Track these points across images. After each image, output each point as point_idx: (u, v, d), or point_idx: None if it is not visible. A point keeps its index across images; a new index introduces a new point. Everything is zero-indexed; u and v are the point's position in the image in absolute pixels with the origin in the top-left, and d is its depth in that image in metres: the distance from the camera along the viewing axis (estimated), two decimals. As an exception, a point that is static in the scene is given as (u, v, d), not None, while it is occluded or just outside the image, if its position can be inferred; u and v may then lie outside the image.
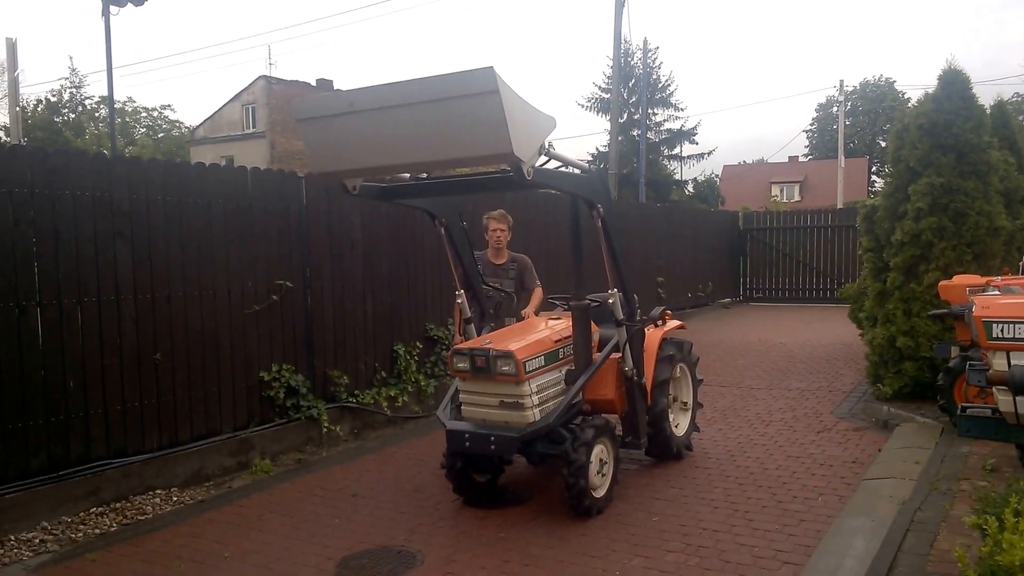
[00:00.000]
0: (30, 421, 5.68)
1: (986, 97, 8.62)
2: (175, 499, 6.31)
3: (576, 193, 5.56)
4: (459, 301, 6.49)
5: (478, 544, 5.19)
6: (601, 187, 5.65)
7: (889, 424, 7.66)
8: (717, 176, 51.84)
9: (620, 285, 5.99)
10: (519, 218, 11.00)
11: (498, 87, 4.11)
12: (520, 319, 6.78)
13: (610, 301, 5.85)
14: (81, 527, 5.70)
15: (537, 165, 4.63)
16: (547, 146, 4.75)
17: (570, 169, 5.37)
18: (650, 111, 40.88)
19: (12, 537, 5.43)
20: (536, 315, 6.86)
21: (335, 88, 48.86)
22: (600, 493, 5.63)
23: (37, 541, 5.44)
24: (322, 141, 4.94)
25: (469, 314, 6.49)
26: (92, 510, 5.93)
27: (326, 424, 7.75)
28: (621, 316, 5.87)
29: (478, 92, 4.22)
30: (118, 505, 6.07)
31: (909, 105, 9.45)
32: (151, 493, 6.31)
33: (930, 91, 8.37)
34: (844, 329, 13.12)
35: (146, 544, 5.40)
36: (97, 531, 5.67)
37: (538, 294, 7.23)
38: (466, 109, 4.32)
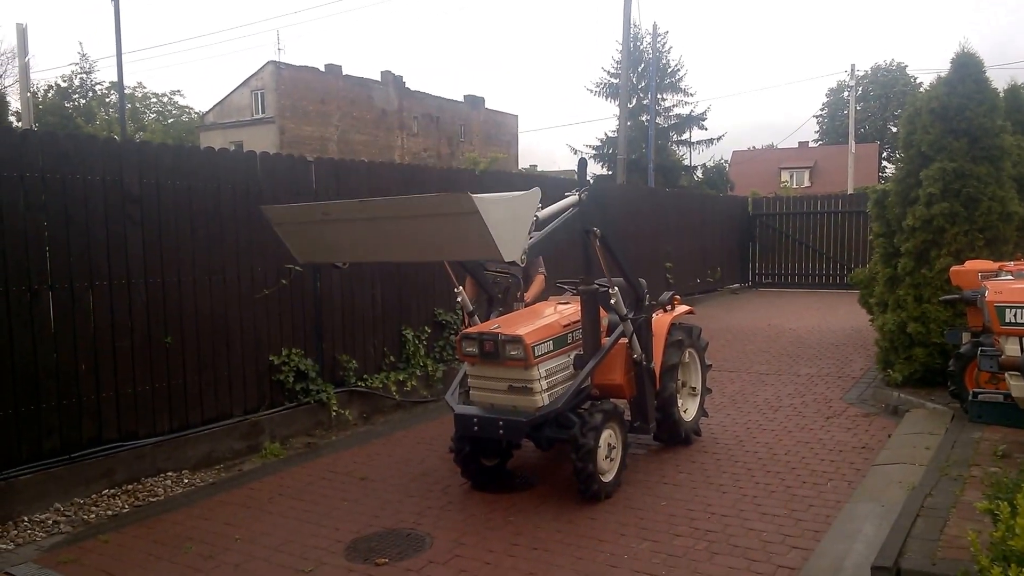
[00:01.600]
0: (43, 404, 5.73)
1: (1000, 81, 8.55)
2: (186, 481, 6.36)
3: (572, 229, 5.42)
4: (459, 300, 6.48)
5: (486, 528, 5.21)
6: (592, 207, 5.40)
7: (899, 410, 7.64)
8: (726, 162, 51.52)
9: (626, 280, 5.99)
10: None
11: (477, 208, 3.99)
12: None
13: (612, 302, 5.81)
14: (94, 509, 5.76)
15: (528, 244, 4.55)
16: (535, 218, 4.66)
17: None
18: (659, 96, 40.64)
19: (26, 518, 5.49)
20: (537, 301, 6.86)
21: (344, 73, 48.76)
22: (608, 478, 5.64)
23: (50, 522, 5.50)
24: (301, 239, 4.97)
25: (471, 308, 6.49)
26: (104, 492, 5.99)
27: (335, 408, 7.78)
28: (623, 311, 5.86)
29: (457, 212, 4.16)
30: (130, 487, 6.12)
31: (921, 90, 9.36)
32: (163, 475, 6.37)
33: (943, 75, 8.29)
34: (854, 315, 13.08)
35: (158, 526, 5.44)
36: (109, 513, 5.72)
37: (539, 281, 7.23)
38: (449, 223, 4.30)
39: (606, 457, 5.59)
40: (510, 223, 4.31)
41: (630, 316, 5.94)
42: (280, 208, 4.90)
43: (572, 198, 5.29)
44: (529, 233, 4.56)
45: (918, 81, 59.65)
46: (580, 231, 5.46)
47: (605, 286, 6.03)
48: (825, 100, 70.74)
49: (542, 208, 4.86)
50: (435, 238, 4.46)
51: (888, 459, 6.02)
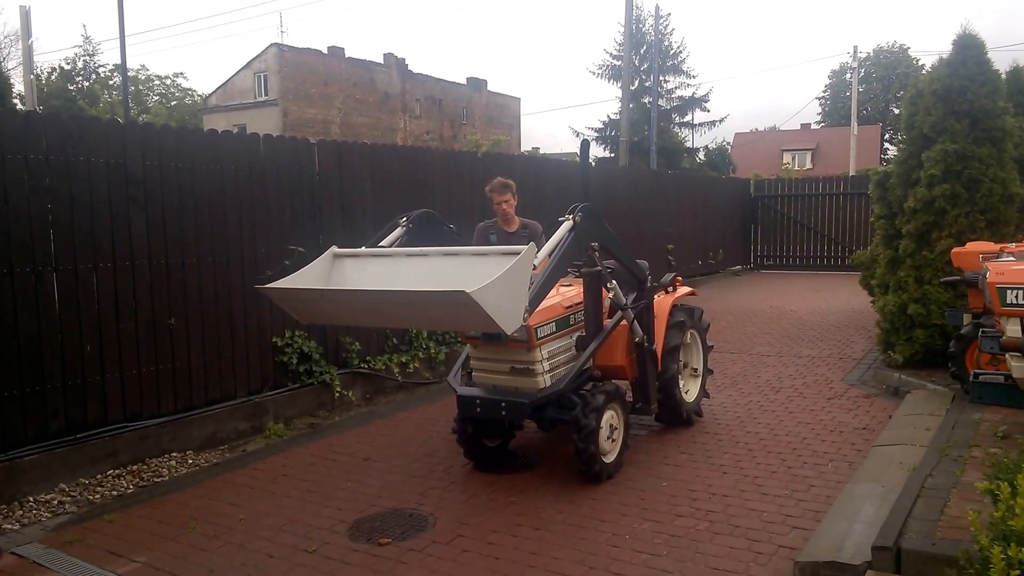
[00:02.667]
0: (48, 384, 5.75)
1: (1002, 62, 8.52)
2: (191, 462, 6.40)
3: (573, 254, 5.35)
4: None
5: (488, 508, 5.24)
6: (586, 222, 5.27)
7: (900, 391, 7.66)
8: (728, 144, 51.36)
9: (627, 269, 6.01)
10: (530, 185, 10.99)
11: (476, 300, 3.98)
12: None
13: (611, 296, 5.82)
14: (99, 489, 5.79)
15: (529, 301, 4.55)
16: (533, 271, 4.64)
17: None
18: (661, 78, 40.48)
19: (31, 498, 5.53)
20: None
21: (346, 56, 48.50)
22: (610, 458, 5.66)
23: (55, 503, 5.54)
24: (301, 308, 5.03)
25: None
26: (109, 472, 6.02)
27: (338, 389, 7.81)
28: (623, 302, 5.86)
29: (455, 303, 4.17)
30: (135, 467, 6.16)
31: (923, 71, 9.32)
32: (167, 456, 6.40)
33: (945, 56, 8.26)
34: (855, 296, 13.09)
35: (162, 506, 5.48)
36: (114, 493, 5.76)
37: (545, 261, 7.19)
38: (449, 309, 4.36)
39: (608, 438, 5.62)
40: (509, 297, 4.30)
41: (630, 306, 5.94)
42: (280, 290, 4.89)
43: (566, 224, 5.14)
44: (529, 288, 4.55)
45: (921, 63, 59.41)
46: (582, 252, 5.40)
47: (608, 267, 6.03)
48: (827, 82, 70.48)
49: (541, 244, 4.91)
50: (435, 316, 4.62)
51: (889, 440, 6.03)
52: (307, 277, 5.03)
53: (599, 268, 5.63)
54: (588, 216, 5.24)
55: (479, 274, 4.33)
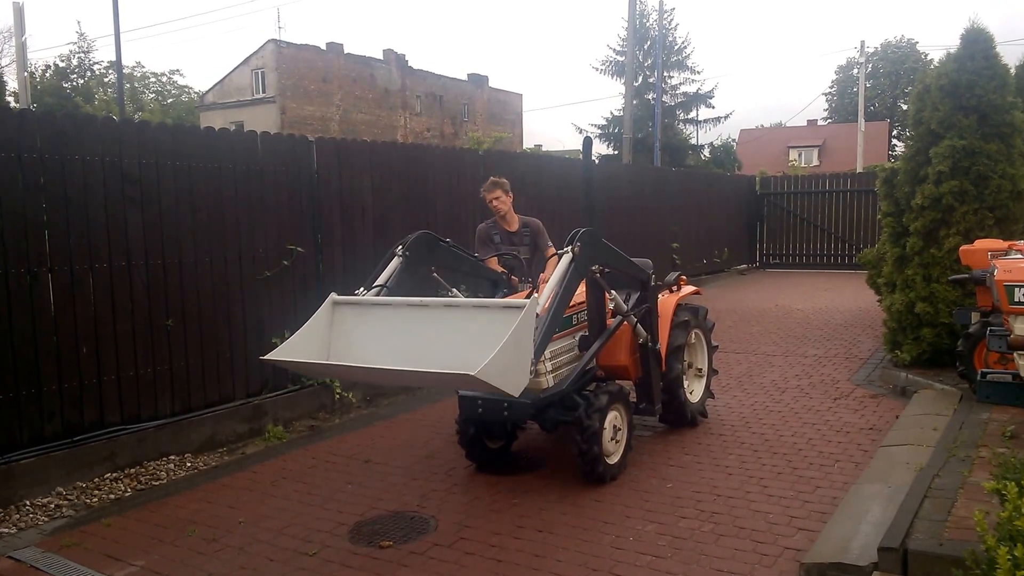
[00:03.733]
0: (44, 387, 5.70)
1: (1010, 57, 8.43)
2: (189, 465, 6.34)
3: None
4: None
5: (491, 510, 5.18)
6: (585, 250, 5.18)
7: (907, 391, 7.58)
8: (734, 140, 51.23)
9: (629, 276, 6.01)
10: (532, 183, 10.94)
11: (482, 379, 4.05)
12: (535, 283, 6.75)
13: (611, 306, 5.78)
14: (96, 492, 5.74)
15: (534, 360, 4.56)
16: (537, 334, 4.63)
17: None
18: (665, 74, 40.47)
19: (28, 502, 5.47)
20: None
21: (345, 52, 48.45)
22: (614, 459, 5.59)
23: (52, 506, 5.48)
24: (310, 371, 5.37)
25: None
26: (107, 475, 5.96)
27: (338, 391, 7.75)
28: (624, 309, 5.81)
29: (462, 380, 4.26)
30: (132, 471, 6.10)
31: (931, 66, 9.22)
32: (165, 459, 6.34)
33: (952, 51, 8.18)
34: (862, 295, 13.00)
35: (161, 509, 5.42)
36: (112, 496, 5.71)
37: (553, 257, 7.14)
38: (456, 381, 4.51)
39: (611, 439, 5.55)
40: (514, 361, 4.30)
41: (632, 311, 5.90)
42: (287, 362, 4.91)
43: (566, 257, 5.07)
44: (534, 340, 4.54)
45: (928, 58, 59.34)
46: (584, 276, 5.39)
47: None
48: (834, 77, 70.38)
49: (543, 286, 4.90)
50: (441, 386, 4.75)
51: (896, 440, 5.96)
52: (311, 333, 5.01)
53: (601, 283, 5.59)
54: (587, 244, 5.20)
55: (482, 333, 4.43)
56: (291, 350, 4.91)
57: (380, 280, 5.49)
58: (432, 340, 4.77)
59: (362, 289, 5.42)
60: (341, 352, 5.06)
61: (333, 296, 5.20)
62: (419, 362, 4.56)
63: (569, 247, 5.10)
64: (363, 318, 5.13)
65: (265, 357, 4.92)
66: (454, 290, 6.51)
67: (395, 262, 5.64)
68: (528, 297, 4.65)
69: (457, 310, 4.97)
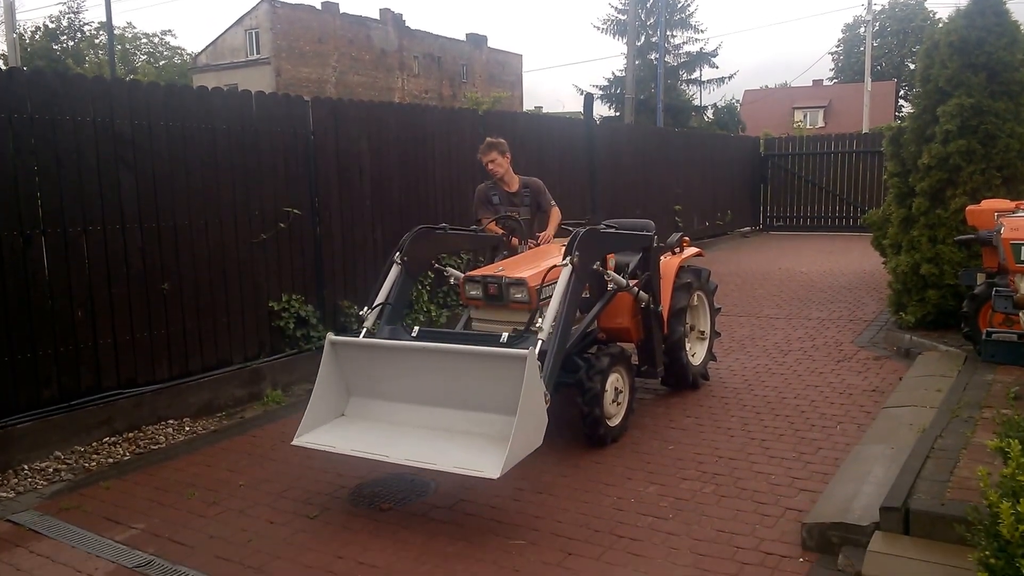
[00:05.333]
0: (39, 351, 5.65)
1: (1021, 14, 8.25)
2: (187, 429, 6.33)
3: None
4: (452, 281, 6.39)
5: (491, 472, 5.16)
6: (584, 257, 5.14)
7: (911, 353, 7.53)
8: (738, 101, 50.74)
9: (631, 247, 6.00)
10: (533, 144, 10.81)
11: (504, 469, 4.11)
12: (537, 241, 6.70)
13: (610, 286, 5.72)
14: (94, 456, 5.72)
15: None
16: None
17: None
18: (668, 33, 39.99)
19: (26, 466, 5.46)
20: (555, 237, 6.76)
21: (341, 12, 47.73)
22: (615, 422, 5.57)
23: (51, 470, 5.47)
24: None
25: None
26: (105, 440, 5.95)
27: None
28: (624, 283, 5.75)
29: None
30: (131, 435, 6.08)
31: (940, 24, 9.03)
32: (163, 423, 6.32)
33: (962, 7, 8.00)
34: (867, 258, 12.92)
35: (160, 473, 5.41)
36: (110, 460, 5.69)
37: (555, 215, 7.07)
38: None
39: (613, 401, 5.51)
40: (531, 422, 4.33)
41: (632, 279, 5.86)
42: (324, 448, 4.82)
43: (566, 271, 5.03)
44: (543, 375, 4.55)
45: (936, 16, 58.34)
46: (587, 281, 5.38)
47: (612, 227, 5.90)
48: (841, 36, 69.40)
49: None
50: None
51: (899, 401, 5.92)
52: (324, 385, 4.99)
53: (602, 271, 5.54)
54: (586, 249, 5.15)
55: (489, 385, 4.48)
56: (316, 417, 4.91)
57: (381, 297, 5.47)
58: (443, 383, 4.75)
59: (366, 309, 5.40)
60: (363, 388, 5.08)
61: (330, 337, 5.06)
62: (441, 412, 4.72)
63: (568, 259, 5.04)
64: (369, 356, 5.06)
65: (295, 442, 4.82)
66: (450, 268, 6.43)
67: (395, 271, 5.59)
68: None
69: (459, 357, 4.78)
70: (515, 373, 4.28)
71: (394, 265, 5.62)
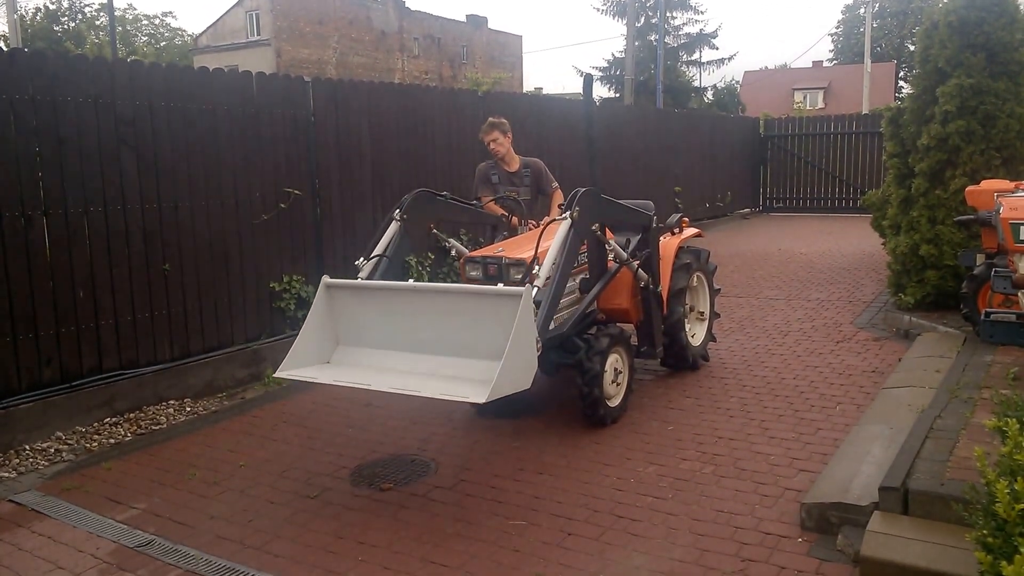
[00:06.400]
0: (41, 332, 5.65)
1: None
2: (189, 409, 6.34)
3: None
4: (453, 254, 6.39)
5: (491, 453, 5.19)
6: (584, 214, 5.14)
7: (910, 334, 7.54)
8: (737, 83, 50.54)
9: (631, 224, 5.99)
10: (533, 125, 10.77)
11: (492, 396, 4.05)
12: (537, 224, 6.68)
13: (611, 257, 5.72)
14: (96, 437, 5.74)
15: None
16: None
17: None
18: (668, 14, 39.79)
19: (27, 447, 5.48)
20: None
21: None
22: (615, 402, 5.58)
23: (52, 451, 5.48)
24: None
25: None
26: (106, 420, 5.96)
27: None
28: (624, 256, 5.74)
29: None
30: (132, 415, 6.10)
31: (939, 4, 8.95)
32: (165, 404, 6.34)
33: (962, -13, 7.95)
34: (866, 239, 12.90)
35: (161, 453, 5.43)
36: (112, 441, 5.70)
37: (558, 196, 7.05)
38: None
39: (612, 382, 5.53)
40: (521, 359, 4.25)
41: (632, 255, 5.85)
42: (302, 378, 4.83)
43: (565, 224, 5.02)
44: (537, 321, 4.51)
45: (936, -3, 57.92)
46: (585, 237, 5.35)
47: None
48: (841, 17, 68.96)
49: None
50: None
51: (898, 382, 5.94)
52: (313, 328, 4.90)
53: (601, 237, 5.51)
54: (586, 206, 5.14)
55: (484, 322, 4.41)
56: (300, 357, 4.83)
57: (379, 249, 5.43)
58: (434, 328, 4.68)
59: (361, 259, 5.37)
60: (351, 337, 4.99)
61: (325, 279, 5.03)
62: (428, 358, 4.61)
63: (568, 212, 5.03)
64: (361, 301, 5.01)
65: (277, 374, 4.85)
66: (451, 240, 6.43)
67: (393, 227, 5.56)
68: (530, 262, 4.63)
69: (455, 297, 4.79)
70: (509, 311, 4.22)
71: (393, 222, 5.59)
